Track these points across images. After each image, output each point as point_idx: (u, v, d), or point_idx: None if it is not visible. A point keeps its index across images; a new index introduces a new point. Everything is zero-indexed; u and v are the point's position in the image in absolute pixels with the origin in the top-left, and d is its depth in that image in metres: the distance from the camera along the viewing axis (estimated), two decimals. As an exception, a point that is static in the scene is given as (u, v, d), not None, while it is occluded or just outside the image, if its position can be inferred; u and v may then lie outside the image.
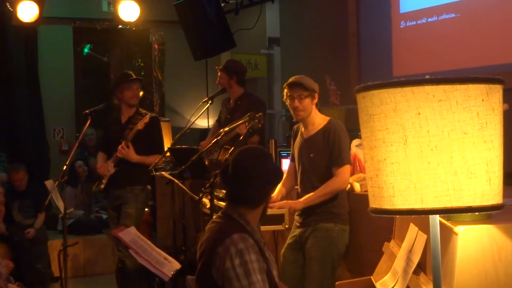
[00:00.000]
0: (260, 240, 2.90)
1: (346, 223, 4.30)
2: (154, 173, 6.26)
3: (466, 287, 2.45)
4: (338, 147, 4.20)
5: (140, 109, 6.08)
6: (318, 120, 4.35)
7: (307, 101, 4.24)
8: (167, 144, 7.10)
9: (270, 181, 2.97)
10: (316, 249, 4.22)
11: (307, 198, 4.17)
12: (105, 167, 5.95)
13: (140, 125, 5.73)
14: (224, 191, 4.71)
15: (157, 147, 6.00)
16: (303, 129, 4.44)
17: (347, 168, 4.21)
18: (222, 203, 4.52)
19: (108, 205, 6.21)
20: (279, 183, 3.07)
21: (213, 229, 2.93)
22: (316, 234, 4.22)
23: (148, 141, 5.93)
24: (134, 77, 6.02)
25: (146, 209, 7.25)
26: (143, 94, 6.25)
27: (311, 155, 4.25)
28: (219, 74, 6.42)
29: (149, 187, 6.04)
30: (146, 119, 5.75)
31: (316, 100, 4.26)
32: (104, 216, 8.19)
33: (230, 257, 2.72)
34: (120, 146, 5.78)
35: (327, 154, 4.21)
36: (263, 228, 3.53)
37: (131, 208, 5.84)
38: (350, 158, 4.36)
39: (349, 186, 4.83)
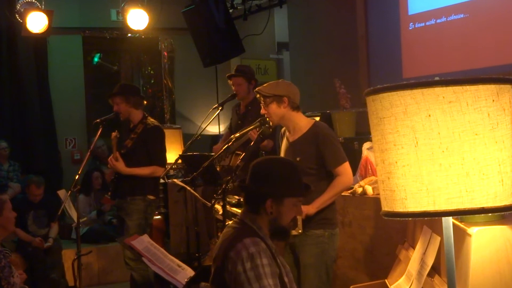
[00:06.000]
0: (272, 246, 2.89)
1: (335, 226, 4.27)
2: (166, 181, 6.24)
3: (481, 289, 2.44)
4: (332, 148, 4.17)
5: (148, 118, 5.93)
6: (302, 123, 4.28)
7: (272, 106, 4.19)
8: (178, 151, 7.11)
9: (284, 190, 2.92)
10: (309, 257, 4.19)
11: (318, 201, 4.14)
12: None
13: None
14: (236, 197, 4.72)
15: (155, 158, 5.79)
16: (288, 132, 4.42)
17: (347, 165, 4.19)
18: (235, 209, 4.51)
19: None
20: (298, 195, 3.02)
21: (226, 235, 2.93)
22: (308, 242, 4.18)
23: (146, 151, 5.76)
24: (116, 90, 5.88)
25: (159, 217, 7.25)
26: (153, 102, 6.15)
27: (298, 159, 4.20)
28: (232, 81, 6.23)
29: (150, 197, 5.77)
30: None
31: (286, 104, 4.17)
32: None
33: (241, 261, 2.71)
34: (109, 158, 5.78)
35: (316, 157, 4.17)
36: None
37: (130, 221, 5.70)
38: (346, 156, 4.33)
39: (361, 189, 4.82)
